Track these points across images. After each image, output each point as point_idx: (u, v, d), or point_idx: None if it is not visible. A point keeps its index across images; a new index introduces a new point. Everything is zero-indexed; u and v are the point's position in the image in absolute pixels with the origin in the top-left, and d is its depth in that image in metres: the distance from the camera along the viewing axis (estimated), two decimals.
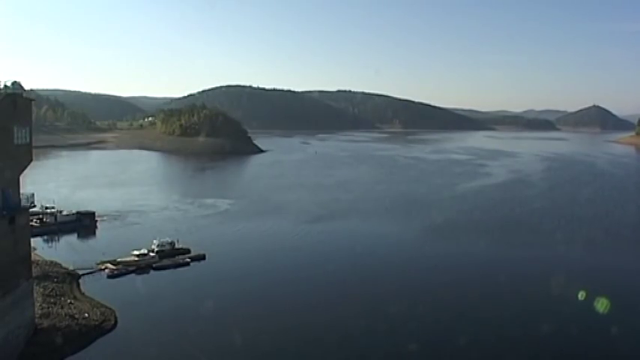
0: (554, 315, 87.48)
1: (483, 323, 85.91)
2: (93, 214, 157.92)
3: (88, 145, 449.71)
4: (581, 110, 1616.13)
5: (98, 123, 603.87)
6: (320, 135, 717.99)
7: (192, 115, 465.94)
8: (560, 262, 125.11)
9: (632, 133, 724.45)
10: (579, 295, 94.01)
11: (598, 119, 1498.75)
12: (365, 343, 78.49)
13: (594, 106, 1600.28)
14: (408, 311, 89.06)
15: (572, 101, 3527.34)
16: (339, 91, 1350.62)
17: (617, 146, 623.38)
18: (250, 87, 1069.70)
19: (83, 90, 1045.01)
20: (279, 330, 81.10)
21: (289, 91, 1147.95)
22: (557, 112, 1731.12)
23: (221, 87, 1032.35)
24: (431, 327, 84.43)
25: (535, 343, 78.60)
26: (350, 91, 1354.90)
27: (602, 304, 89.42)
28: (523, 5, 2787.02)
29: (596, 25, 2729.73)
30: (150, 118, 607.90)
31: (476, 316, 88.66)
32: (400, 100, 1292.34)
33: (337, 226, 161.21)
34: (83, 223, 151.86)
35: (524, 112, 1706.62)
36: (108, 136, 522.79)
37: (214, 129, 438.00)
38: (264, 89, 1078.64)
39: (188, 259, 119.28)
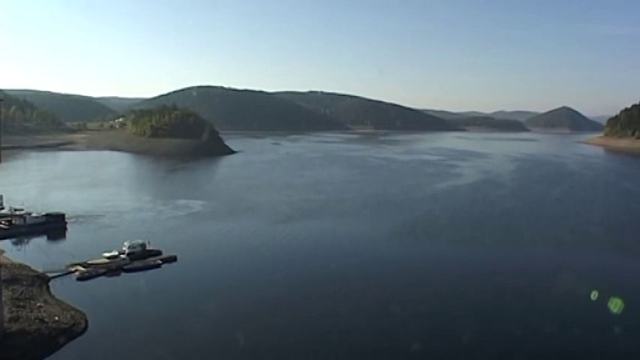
0: (521, 312, 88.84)
1: (448, 322, 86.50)
2: (63, 215, 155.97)
3: (57, 146, 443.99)
4: (551, 111, 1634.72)
5: (68, 124, 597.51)
6: (291, 136, 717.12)
7: (163, 116, 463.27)
8: (529, 261, 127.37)
9: (601, 134, 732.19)
10: (548, 292, 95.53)
11: (567, 120, 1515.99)
12: (336, 345, 78.68)
13: (564, 107, 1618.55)
14: (379, 311, 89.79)
15: (542, 102, 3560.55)
16: (310, 92, 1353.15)
17: (586, 147, 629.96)
18: (222, 88, 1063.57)
19: (53, 90, 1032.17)
20: (250, 332, 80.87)
21: (261, 91, 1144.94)
22: (528, 113, 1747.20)
23: (192, 87, 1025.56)
24: (398, 327, 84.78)
25: (501, 342, 79.52)
26: (321, 92, 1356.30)
27: (569, 301, 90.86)
28: (493, 7, 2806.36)
29: (565, 27, 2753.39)
30: (120, 119, 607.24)
31: (443, 314, 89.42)
32: (371, 101, 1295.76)
33: (308, 227, 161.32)
34: (53, 225, 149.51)
35: (495, 113, 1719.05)
36: (78, 136, 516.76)
37: (185, 130, 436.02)
38: (235, 90, 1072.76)
39: (159, 261, 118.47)
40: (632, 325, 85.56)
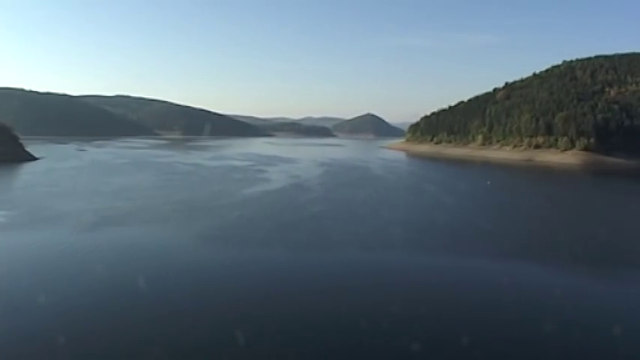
0: (335, 312, 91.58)
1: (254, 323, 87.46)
2: None
3: None
4: (356, 118, 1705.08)
5: None
6: (97, 141, 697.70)
7: None
8: (335, 262, 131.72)
9: (403, 140, 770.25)
10: (354, 291, 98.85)
11: (372, 126, 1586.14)
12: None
13: (368, 114, 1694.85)
14: (194, 317, 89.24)
15: (348, 109, 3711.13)
16: (117, 96, 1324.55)
17: (389, 152, 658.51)
18: (22, 90, 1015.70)
19: None
20: (47, 350, 77.87)
21: (65, 95, 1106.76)
22: (334, 119, 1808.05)
23: None
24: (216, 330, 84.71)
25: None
26: (129, 97, 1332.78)
27: (373, 296, 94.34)
28: (301, 15, 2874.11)
29: (370, 37, 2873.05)
30: None
31: (249, 315, 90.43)
32: (180, 106, 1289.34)
33: (116, 235, 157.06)
34: None
35: (303, 119, 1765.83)
36: None
37: None
38: (37, 93, 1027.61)
39: None
40: (425, 318, 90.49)
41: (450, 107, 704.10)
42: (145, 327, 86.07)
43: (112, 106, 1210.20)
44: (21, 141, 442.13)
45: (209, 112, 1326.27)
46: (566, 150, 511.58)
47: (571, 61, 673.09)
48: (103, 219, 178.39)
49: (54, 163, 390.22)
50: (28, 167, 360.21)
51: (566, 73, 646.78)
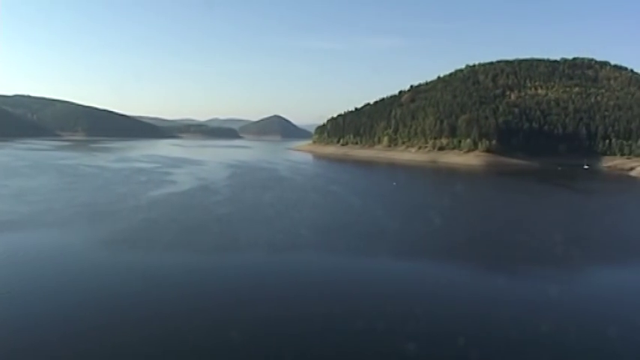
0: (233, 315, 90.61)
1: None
2: None
3: None
4: (263, 119, 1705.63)
5: None
6: None
7: None
8: (241, 264, 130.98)
9: (310, 141, 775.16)
10: (261, 293, 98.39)
11: (279, 128, 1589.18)
12: None
13: (275, 115, 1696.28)
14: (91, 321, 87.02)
15: (255, 111, 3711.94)
16: (16, 95, 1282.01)
17: (296, 153, 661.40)
18: None
19: None
20: None
21: None
22: (241, 120, 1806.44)
23: None
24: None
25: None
26: (29, 96, 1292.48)
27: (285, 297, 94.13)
28: (205, 15, 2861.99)
29: (278, 39, 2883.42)
30: None
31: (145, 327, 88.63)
32: (83, 106, 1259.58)
33: (14, 240, 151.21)
34: None
35: (209, 120, 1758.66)
36: None
37: None
38: None
39: None
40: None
41: (357, 109, 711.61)
42: (43, 333, 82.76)
43: (11, 106, 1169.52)
44: None
45: (113, 113, 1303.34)
46: (469, 151, 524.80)
47: (474, 66, 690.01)
48: (1, 224, 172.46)
49: None
50: None
51: (469, 76, 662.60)
